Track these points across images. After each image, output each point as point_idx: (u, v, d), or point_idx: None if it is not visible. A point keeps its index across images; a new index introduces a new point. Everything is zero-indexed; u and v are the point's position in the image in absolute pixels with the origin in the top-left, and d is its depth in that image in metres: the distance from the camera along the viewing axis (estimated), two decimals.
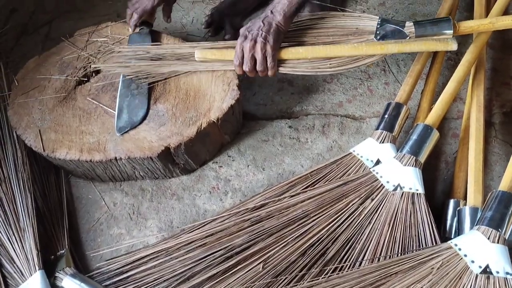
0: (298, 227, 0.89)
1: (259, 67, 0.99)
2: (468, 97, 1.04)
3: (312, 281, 0.77)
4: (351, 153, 0.99)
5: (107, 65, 1.12)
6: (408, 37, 0.97)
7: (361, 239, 0.85)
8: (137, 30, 1.16)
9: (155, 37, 1.17)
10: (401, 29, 0.97)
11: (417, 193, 0.87)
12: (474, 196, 0.87)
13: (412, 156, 0.91)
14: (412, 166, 0.90)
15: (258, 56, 0.98)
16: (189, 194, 1.06)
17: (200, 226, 0.96)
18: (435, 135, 0.93)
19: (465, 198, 0.90)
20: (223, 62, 1.05)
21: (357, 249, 0.84)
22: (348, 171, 0.96)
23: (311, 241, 0.86)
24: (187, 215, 1.03)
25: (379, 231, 0.85)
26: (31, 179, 1.05)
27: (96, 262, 0.98)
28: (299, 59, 1.01)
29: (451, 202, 0.91)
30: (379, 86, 1.19)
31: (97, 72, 1.14)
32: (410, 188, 0.88)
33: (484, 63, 1.07)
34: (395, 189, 0.89)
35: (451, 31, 0.95)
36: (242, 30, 1.00)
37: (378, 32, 0.98)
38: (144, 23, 1.16)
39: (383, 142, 0.97)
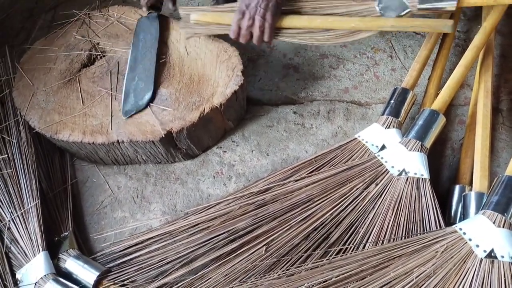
0: (302, 211, 0.88)
1: (255, 41, 0.99)
2: (475, 83, 1.03)
3: (315, 262, 0.77)
4: (356, 138, 0.98)
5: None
6: (409, 9, 0.95)
7: (365, 223, 0.84)
8: (146, 14, 1.16)
9: (163, 21, 1.16)
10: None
11: (422, 178, 0.87)
12: (480, 182, 0.86)
13: (417, 141, 0.90)
14: (418, 151, 0.89)
15: (256, 33, 0.97)
16: (193, 179, 1.06)
17: (204, 209, 0.96)
18: (441, 120, 0.92)
19: (470, 184, 0.89)
20: (219, 25, 1.03)
21: (360, 233, 0.83)
22: (352, 156, 0.96)
23: (314, 224, 0.85)
24: (191, 199, 1.03)
25: (383, 216, 0.84)
26: (36, 161, 1.05)
27: (100, 244, 0.98)
28: (297, 28, 0.99)
29: (457, 188, 0.91)
30: (385, 72, 1.17)
31: (102, 54, 1.14)
32: (415, 173, 0.87)
33: (493, 49, 1.06)
34: (400, 174, 0.88)
35: (455, 2, 0.93)
36: (239, 4, 0.97)
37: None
38: (153, 7, 1.15)
39: (388, 128, 0.96)
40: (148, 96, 1.03)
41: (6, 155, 1.04)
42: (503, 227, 0.74)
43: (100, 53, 1.14)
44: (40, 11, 1.48)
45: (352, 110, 1.11)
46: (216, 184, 1.05)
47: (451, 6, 0.94)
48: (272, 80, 1.21)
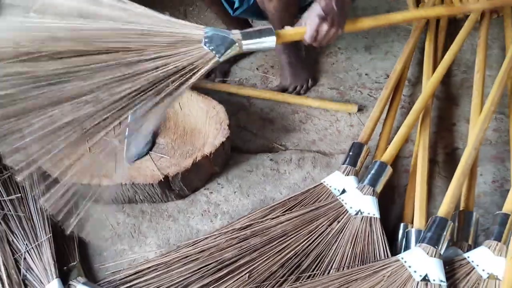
0: (277, 244, 1.07)
1: (324, 43, 1.15)
2: (416, 140, 1.27)
3: (290, 286, 0.96)
4: (322, 183, 1.19)
5: None
6: (236, 44, 1.02)
7: (329, 254, 1.04)
8: None
9: None
10: (228, 36, 1.03)
11: (374, 217, 1.08)
12: (419, 220, 1.08)
13: (370, 187, 1.12)
14: (371, 195, 1.11)
15: (330, 39, 1.13)
16: (183, 216, 1.24)
17: (194, 243, 1.13)
18: (389, 170, 1.15)
19: (412, 222, 1.10)
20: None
21: (326, 261, 1.03)
22: (319, 198, 1.16)
23: (288, 255, 1.05)
24: (182, 234, 1.20)
25: (343, 247, 1.04)
26: None
27: (103, 273, 1.13)
28: None
29: (402, 226, 1.12)
30: (345, 127, 1.41)
31: None
32: (369, 213, 1.08)
33: (430, 112, 1.31)
34: (356, 214, 1.09)
35: (274, 37, 1.06)
36: (317, 12, 1.09)
37: (206, 40, 1.00)
38: None
39: (348, 175, 1.18)
40: (148, 145, 1.21)
41: (20, 195, 1.19)
42: (435, 256, 0.96)
43: None
44: None
45: (319, 159, 1.33)
46: (204, 220, 1.22)
47: (271, 43, 1.08)
48: (251, 132, 1.42)
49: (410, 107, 1.30)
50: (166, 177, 1.17)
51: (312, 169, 1.31)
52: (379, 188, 1.13)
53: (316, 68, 1.58)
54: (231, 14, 1.49)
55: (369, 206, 1.09)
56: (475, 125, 1.19)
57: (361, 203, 1.10)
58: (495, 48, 1.55)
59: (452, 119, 1.39)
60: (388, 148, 1.19)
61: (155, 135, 1.23)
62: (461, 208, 1.12)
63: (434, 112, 1.40)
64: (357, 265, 1.00)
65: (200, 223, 1.22)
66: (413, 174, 1.21)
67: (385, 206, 1.20)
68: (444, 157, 1.30)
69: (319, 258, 1.04)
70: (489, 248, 0.99)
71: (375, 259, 1.01)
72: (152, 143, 1.21)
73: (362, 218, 1.08)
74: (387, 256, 1.01)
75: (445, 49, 1.42)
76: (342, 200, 1.12)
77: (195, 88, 1.39)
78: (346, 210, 1.10)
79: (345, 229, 1.08)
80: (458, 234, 1.07)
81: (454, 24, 1.60)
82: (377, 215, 1.08)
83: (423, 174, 1.15)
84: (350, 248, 1.04)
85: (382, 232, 1.06)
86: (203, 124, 1.26)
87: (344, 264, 1.00)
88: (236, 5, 1.44)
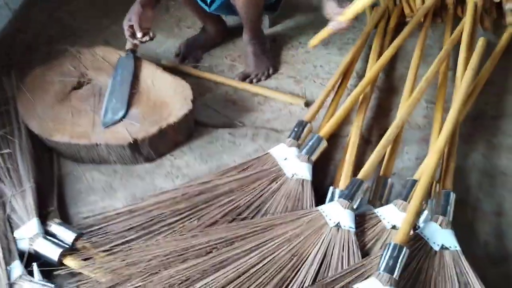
0: (224, 198, 1.27)
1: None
2: (354, 121, 1.47)
3: (227, 226, 1.16)
4: (268, 152, 1.38)
5: None
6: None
7: (266, 207, 1.24)
8: (124, 54, 1.56)
9: (137, 61, 1.57)
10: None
11: (306, 180, 1.28)
12: (344, 183, 1.28)
13: (306, 156, 1.32)
14: (306, 162, 1.31)
15: None
16: (150, 176, 1.44)
17: (156, 196, 1.32)
18: (323, 143, 1.35)
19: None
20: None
21: (262, 212, 1.23)
22: (264, 164, 1.36)
23: (232, 207, 1.25)
24: (147, 190, 1.40)
25: (278, 202, 1.25)
26: (31, 156, 1.40)
27: (76, 219, 1.33)
28: None
29: (331, 188, 1.32)
30: (297, 110, 1.61)
31: (89, 82, 1.53)
32: (302, 176, 1.29)
33: (368, 98, 1.51)
34: (292, 176, 1.29)
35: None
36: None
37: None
38: (130, 49, 1.56)
39: (290, 147, 1.37)
40: (121, 113, 1.42)
41: (10, 151, 1.39)
42: (348, 209, 1.16)
43: (87, 80, 1.53)
44: (37, 45, 1.86)
45: (271, 134, 1.54)
46: (167, 180, 1.43)
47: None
48: (215, 109, 1.62)
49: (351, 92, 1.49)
50: (135, 141, 1.37)
51: (264, 143, 1.51)
52: (314, 157, 1.34)
53: (277, 59, 1.79)
54: (207, 10, 1.70)
55: (303, 171, 1.30)
56: (401, 109, 1.40)
57: (297, 168, 1.31)
58: (436, 48, 1.77)
59: (389, 107, 1.60)
60: (326, 125, 1.40)
61: (128, 106, 1.44)
62: (380, 175, 1.33)
63: (375, 101, 1.61)
64: (285, 212, 1.20)
65: (164, 183, 1.42)
66: (347, 148, 1.42)
67: (323, 175, 1.41)
68: (377, 138, 1.50)
69: (257, 210, 1.25)
70: (395, 205, 1.19)
71: (298, 207, 1.22)
72: (126, 112, 1.42)
73: (296, 180, 1.28)
74: (311, 206, 1.22)
75: None
76: (283, 166, 1.33)
77: (169, 68, 1.61)
78: (284, 173, 1.31)
79: (281, 188, 1.28)
80: (374, 195, 1.28)
81: (402, 25, 1.81)
82: (309, 178, 1.28)
83: (353, 146, 1.36)
84: (283, 202, 1.25)
85: (312, 192, 1.26)
86: (171, 98, 1.46)
87: (271, 210, 1.21)
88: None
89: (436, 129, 1.41)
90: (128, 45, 1.59)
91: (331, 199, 1.27)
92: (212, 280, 1.03)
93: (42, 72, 1.56)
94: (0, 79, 1.62)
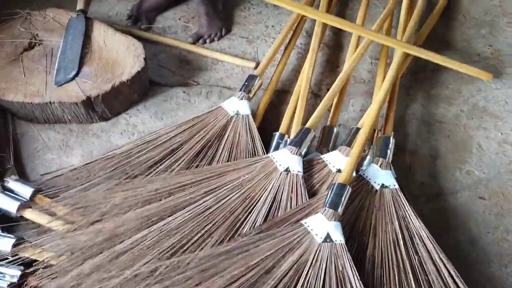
0: (176, 147, 1.32)
1: None
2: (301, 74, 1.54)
3: (179, 171, 1.22)
4: (220, 106, 1.44)
5: None
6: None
7: (216, 154, 1.31)
8: (75, 15, 1.56)
9: (88, 21, 1.57)
10: None
11: (247, 116, 1.37)
12: (293, 132, 1.36)
13: (245, 95, 1.42)
14: (247, 100, 1.40)
15: None
16: (106, 134, 1.47)
17: (112, 150, 1.36)
18: (259, 81, 1.46)
19: (286, 133, 1.38)
20: None
21: (210, 157, 1.30)
22: (217, 117, 1.42)
23: (181, 153, 1.31)
24: (103, 148, 1.43)
25: (228, 148, 1.32)
26: None
27: (33, 176, 1.35)
28: None
29: (276, 133, 1.37)
30: (250, 69, 1.66)
31: (40, 43, 1.52)
32: (247, 115, 1.37)
33: (316, 54, 1.58)
34: (237, 117, 1.37)
35: None
36: None
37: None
38: (81, 10, 1.56)
39: (241, 100, 1.44)
40: (74, 71, 1.43)
41: None
42: (296, 154, 1.24)
43: (38, 41, 1.52)
44: None
45: (224, 92, 1.59)
46: (122, 138, 1.46)
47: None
48: (169, 69, 1.65)
49: (305, 53, 1.56)
50: (88, 98, 1.39)
51: (217, 100, 1.56)
52: (251, 94, 1.45)
53: (230, 20, 1.83)
54: None
55: (245, 110, 1.38)
56: (346, 64, 1.49)
57: (243, 110, 1.39)
58: (381, 7, 1.85)
59: (337, 63, 1.68)
60: (273, 76, 1.48)
61: (81, 65, 1.45)
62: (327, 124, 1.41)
63: (324, 57, 1.69)
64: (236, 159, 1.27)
65: (120, 140, 1.45)
66: (294, 97, 1.48)
67: (270, 124, 1.47)
68: (325, 92, 1.58)
69: (206, 155, 1.31)
70: (340, 151, 1.28)
71: (249, 156, 1.29)
72: (78, 71, 1.43)
73: (242, 121, 1.36)
74: (263, 153, 1.29)
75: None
76: (232, 116, 1.39)
77: (121, 30, 1.62)
78: (233, 119, 1.38)
79: (230, 132, 1.35)
80: (321, 143, 1.36)
81: None
82: (252, 121, 1.36)
83: (303, 98, 1.43)
84: (234, 149, 1.32)
85: (259, 138, 1.33)
86: (123, 57, 1.48)
87: (228, 161, 1.27)
88: None
89: (379, 83, 1.49)
90: (79, 6, 1.58)
91: (277, 144, 1.35)
92: (169, 221, 1.09)
93: None
94: None
